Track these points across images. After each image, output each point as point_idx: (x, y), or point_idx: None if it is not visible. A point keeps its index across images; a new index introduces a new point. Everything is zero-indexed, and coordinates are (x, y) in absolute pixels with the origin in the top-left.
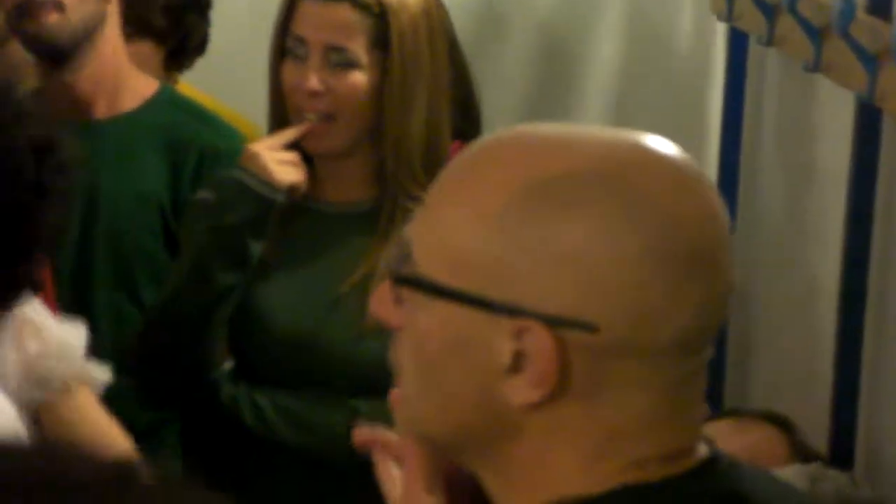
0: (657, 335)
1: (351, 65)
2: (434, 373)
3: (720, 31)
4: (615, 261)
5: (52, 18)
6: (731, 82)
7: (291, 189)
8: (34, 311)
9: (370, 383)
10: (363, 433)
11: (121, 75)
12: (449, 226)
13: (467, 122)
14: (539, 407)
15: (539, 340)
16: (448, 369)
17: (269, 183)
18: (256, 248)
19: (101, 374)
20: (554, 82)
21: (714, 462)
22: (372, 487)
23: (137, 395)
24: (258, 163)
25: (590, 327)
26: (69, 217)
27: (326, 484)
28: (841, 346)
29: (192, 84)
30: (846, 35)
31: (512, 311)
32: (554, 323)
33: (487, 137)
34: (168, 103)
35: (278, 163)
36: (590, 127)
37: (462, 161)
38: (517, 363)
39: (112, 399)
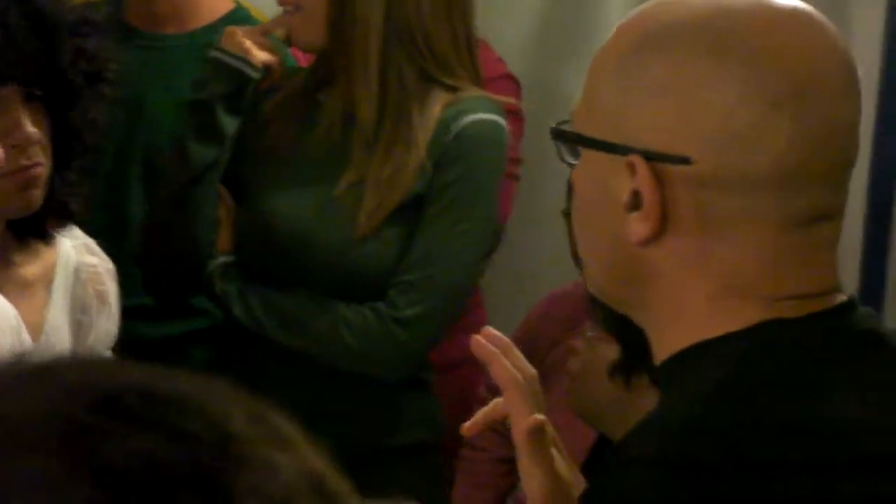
0: (750, 164)
1: None
2: (585, 227)
3: None
4: (699, 90)
5: None
6: None
7: (267, 69)
8: (101, 260)
9: (358, 288)
10: (487, 336)
11: None
12: (590, 83)
13: None
14: (660, 244)
15: (643, 174)
16: (592, 220)
17: (243, 58)
18: (231, 123)
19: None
20: None
21: (853, 305)
22: (359, 390)
23: (146, 290)
24: (233, 41)
25: (683, 160)
26: (108, 127)
27: (316, 384)
28: None
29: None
30: None
31: (623, 149)
32: (651, 157)
33: None
34: (233, 24)
35: (255, 44)
36: None
37: None
38: (636, 201)
39: (131, 313)
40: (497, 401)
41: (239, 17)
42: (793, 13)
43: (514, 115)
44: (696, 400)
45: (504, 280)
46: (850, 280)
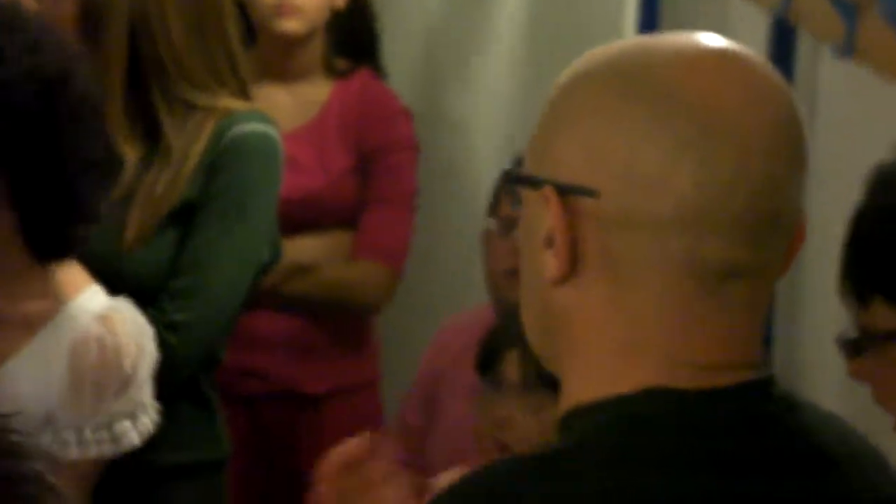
0: (654, 205)
1: None
2: (522, 271)
3: None
4: (607, 125)
5: None
6: (646, 2)
7: None
8: (123, 316)
9: (134, 296)
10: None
11: None
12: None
13: (360, 46)
14: (573, 287)
15: (554, 208)
16: (524, 262)
17: None
18: None
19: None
20: (461, 2)
21: (762, 385)
22: None
23: None
24: None
25: (591, 192)
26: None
27: None
28: None
29: None
30: None
31: (539, 182)
32: (562, 190)
33: None
34: None
35: None
36: (680, 35)
37: None
38: (550, 238)
39: None
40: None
41: None
42: (720, 60)
43: (410, 148)
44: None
45: (399, 308)
46: None
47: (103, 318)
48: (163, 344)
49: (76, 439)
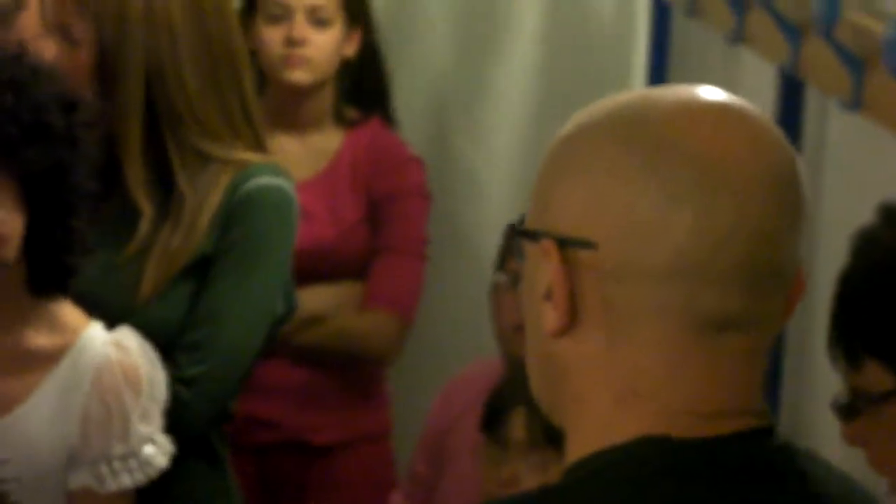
0: (651, 256)
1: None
2: (525, 325)
3: (643, 1)
4: (606, 176)
5: None
6: (655, 55)
7: None
8: (134, 348)
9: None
10: None
11: None
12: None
13: (371, 95)
14: (572, 339)
15: (553, 260)
16: (527, 317)
17: None
18: None
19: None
20: (472, 52)
21: (760, 435)
22: None
23: None
24: None
25: (590, 244)
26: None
27: None
28: None
29: None
30: (768, 5)
31: (539, 235)
32: (561, 242)
33: None
34: None
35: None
36: (675, 88)
37: None
38: (550, 290)
39: None
40: None
41: None
42: (721, 113)
43: (421, 196)
44: None
45: (410, 358)
46: None
47: (117, 344)
48: (176, 399)
49: (109, 471)
